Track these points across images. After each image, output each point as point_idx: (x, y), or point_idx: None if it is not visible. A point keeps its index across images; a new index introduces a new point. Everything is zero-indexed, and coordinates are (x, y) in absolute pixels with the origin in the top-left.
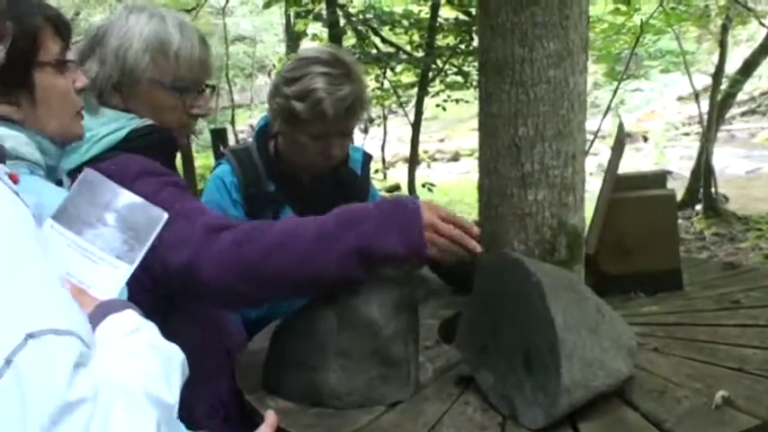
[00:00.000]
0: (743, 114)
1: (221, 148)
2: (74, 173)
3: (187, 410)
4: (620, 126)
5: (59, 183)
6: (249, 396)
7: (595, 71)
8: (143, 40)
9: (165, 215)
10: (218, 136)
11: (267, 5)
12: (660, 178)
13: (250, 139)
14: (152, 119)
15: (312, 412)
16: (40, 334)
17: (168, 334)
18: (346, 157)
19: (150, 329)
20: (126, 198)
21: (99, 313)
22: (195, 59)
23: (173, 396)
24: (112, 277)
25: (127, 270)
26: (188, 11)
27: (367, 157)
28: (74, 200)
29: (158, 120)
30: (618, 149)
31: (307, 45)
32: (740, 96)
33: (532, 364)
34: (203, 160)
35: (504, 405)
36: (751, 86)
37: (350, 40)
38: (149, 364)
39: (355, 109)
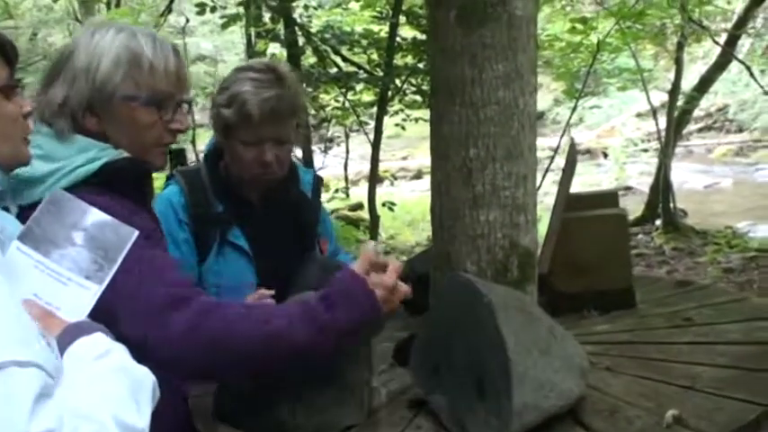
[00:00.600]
0: (700, 130)
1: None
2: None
3: None
4: (572, 145)
5: (6, 209)
6: (201, 426)
7: (555, 89)
8: (114, 53)
9: (136, 232)
10: (177, 156)
11: (226, 26)
12: (612, 197)
13: None
14: (131, 139)
15: None
16: (2, 366)
17: None
18: (297, 178)
19: (120, 352)
20: (95, 216)
21: (68, 335)
22: (171, 71)
23: (143, 420)
24: (81, 298)
25: (96, 290)
26: None
27: (318, 180)
28: (40, 220)
29: (138, 140)
30: (569, 168)
31: None
32: (697, 113)
33: (484, 387)
34: (162, 181)
35: (457, 428)
36: (707, 103)
37: (310, 59)
38: (119, 388)
39: (282, 113)
